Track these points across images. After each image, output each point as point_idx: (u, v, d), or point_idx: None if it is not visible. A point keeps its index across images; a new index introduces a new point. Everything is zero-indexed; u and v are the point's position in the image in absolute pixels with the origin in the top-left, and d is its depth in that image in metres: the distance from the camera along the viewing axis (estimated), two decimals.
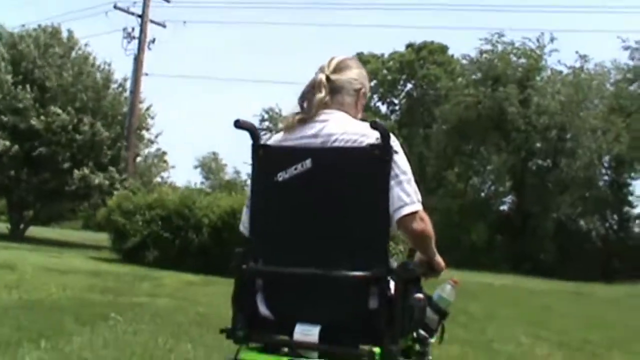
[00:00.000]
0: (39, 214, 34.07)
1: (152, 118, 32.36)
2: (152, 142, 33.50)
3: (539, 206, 41.62)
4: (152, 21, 31.86)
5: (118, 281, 13.59)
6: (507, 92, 41.34)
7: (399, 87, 59.83)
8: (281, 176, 2.78)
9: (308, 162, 2.74)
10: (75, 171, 28.09)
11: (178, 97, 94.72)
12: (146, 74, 31.48)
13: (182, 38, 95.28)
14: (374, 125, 2.69)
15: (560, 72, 43.52)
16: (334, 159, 2.78)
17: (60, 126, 28.11)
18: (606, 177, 43.76)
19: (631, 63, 42.48)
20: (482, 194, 48.17)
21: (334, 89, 2.94)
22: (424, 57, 57.13)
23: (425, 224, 2.79)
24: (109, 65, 31.01)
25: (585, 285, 27.41)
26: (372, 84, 59.15)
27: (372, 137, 2.71)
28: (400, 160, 2.77)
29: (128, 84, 31.28)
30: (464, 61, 48.12)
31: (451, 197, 44.81)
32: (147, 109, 32.26)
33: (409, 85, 59.31)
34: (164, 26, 32.68)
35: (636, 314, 17.73)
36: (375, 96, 60.54)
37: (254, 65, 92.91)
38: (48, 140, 28.09)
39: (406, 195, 2.73)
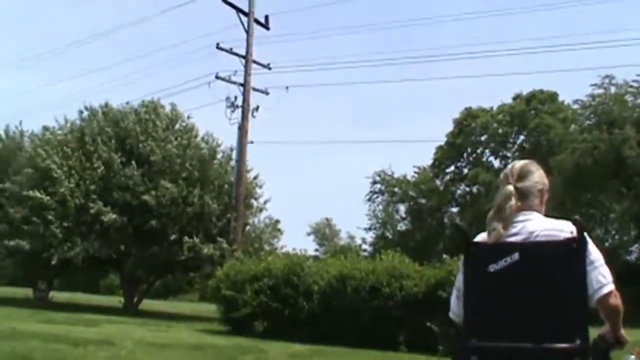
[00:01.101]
0: (153, 287, 34.15)
1: (260, 187, 32.17)
2: (261, 209, 33.20)
3: None
4: (254, 89, 31.80)
5: (219, 355, 12.97)
6: (624, 134, 39.57)
7: (511, 140, 58.38)
8: (493, 267, 3.32)
9: (516, 255, 3.29)
10: (186, 238, 28.00)
11: (286, 163, 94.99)
12: (251, 142, 31.29)
13: (285, 104, 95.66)
14: (573, 220, 3.34)
15: None
16: (538, 252, 3.35)
17: (170, 199, 28.17)
18: None
19: None
20: (606, 244, 46.04)
21: (522, 194, 3.56)
22: (535, 107, 55.69)
23: (618, 300, 3.41)
24: (212, 135, 31.09)
25: None
26: (483, 138, 58.14)
27: (566, 230, 3.35)
28: (593, 249, 3.36)
29: (234, 154, 31.22)
30: (576, 106, 46.46)
31: None
32: (255, 177, 32.12)
33: (521, 137, 57.82)
34: (267, 93, 32.59)
35: None
36: (487, 151, 59.42)
37: (359, 127, 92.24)
38: (159, 213, 28.17)
39: (603, 277, 3.34)
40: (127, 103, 32.19)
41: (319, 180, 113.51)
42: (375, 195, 65.26)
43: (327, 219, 76.24)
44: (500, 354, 3.32)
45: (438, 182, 61.22)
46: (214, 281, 22.31)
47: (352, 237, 70.82)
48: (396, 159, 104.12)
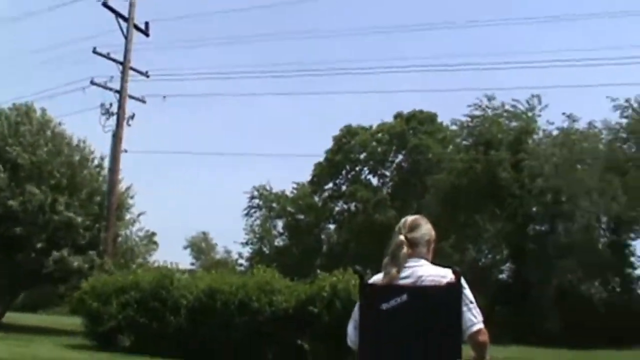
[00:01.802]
0: (20, 300, 32.73)
1: (132, 197, 31.22)
2: (134, 221, 32.23)
3: (538, 273, 40.10)
4: (130, 96, 30.86)
5: None
6: (499, 156, 40.31)
7: (390, 159, 58.80)
8: (385, 305, 3.85)
9: (405, 296, 3.84)
10: (54, 252, 26.87)
11: (162, 174, 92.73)
12: (125, 151, 30.28)
13: (163, 113, 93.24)
14: (452, 269, 4.00)
15: (551, 133, 42.53)
16: (423, 294, 3.92)
17: (37, 206, 27.00)
18: (605, 239, 42.38)
19: (623, 121, 41.45)
20: (480, 264, 46.67)
21: (413, 244, 4.18)
22: (414, 127, 56.26)
23: (486, 337, 4.06)
24: (84, 142, 30.01)
25: (592, 354, 25.99)
26: (362, 156, 58.40)
27: (448, 276, 3.99)
28: (468, 293, 4.03)
29: (106, 162, 30.23)
30: (454, 127, 47.16)
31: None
32: (128, 188, 31.18)
33: (400, 156, 58.28)
34: (144, 101, 31.68)
35: None
36: (365, 169, 59.66)
37: (238, 140, 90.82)
38: (24, 220, 26.96)
39: (474, 317, 4.00)
40: None
41: (196, 193, 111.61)
42: (253, 210, 64.62)
43: (203, 233, 75.21)
44: None
45: (316, 198, 61.08)
46: (79, 293, 21.39)
47: (228, 252, 69.96)
48: (275, 174, 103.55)
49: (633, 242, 41.62)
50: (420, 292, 4.01)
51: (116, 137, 29.91)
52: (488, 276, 44.29)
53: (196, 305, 18.48)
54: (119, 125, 30.05)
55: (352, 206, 59.02)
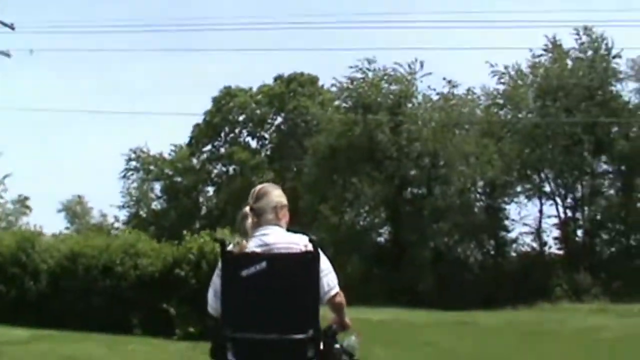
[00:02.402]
0: None
1: None
2: None
3: (415, 235, 40.49)
4: None
5: None
6: (377, 119, 40.21)
7: (269, 121, 58.19)
8: (245, 272, 4.08)
9: (264, 264, 4.08)
10: None
11: (32, 134, 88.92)
12: None
13: (30, 69, 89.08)
14: (310, 239, 4.23)
15: (431, 98, 42.68)
16: (281, 261, 4.19)
17: None
18: (481, 203, 43.03)
19: (500, 88, 41.99)
20: (358, 227, 46.71)
21: (258, 213, 4.39)
22: (294, 90, 55.76)
23: (342, 299, 4.37)
24: None
25: (466, 315, 26.19)
26: (241, 118, 57.62)
27: (301, 243, 4.25)
28: (324, 260, 4.24)
29: None
30: (334, 89, 46.84)
31: (326, 231, 43.12)
32: None
33: (279, 119, 57.75)
34: (9, 55, 30.10)
35: (521, 345, 16.30)
36: (244, 131, 58.93)
37: (113, 99, 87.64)
38: None
39: (331, 282, 4.28)
40: None
41: (69, 155, 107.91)
42: (130, 173, 63.09)
43: (78, 196, 72.99)
44: (249, 343, 4.08)
45: (195, 160, 60.07)
46: None
47: (104, 216, 68.07)
48: (152, 135, 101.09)
49: (507, 206, 42.46)
50: (279, 259, 4.19)
51: None
52: (366, 238, 44.48)
53: (57, 270, 17.54)
54: None
55: (231, 169, 58.32)
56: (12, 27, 30.27)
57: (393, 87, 42.83)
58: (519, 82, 41.29)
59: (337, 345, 4.33)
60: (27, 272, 17.98)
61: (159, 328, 15.74)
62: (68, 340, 13.76)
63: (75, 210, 71.62)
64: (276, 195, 4.48)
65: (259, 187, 4.56)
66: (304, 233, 4.34)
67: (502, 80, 41.74)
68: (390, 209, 42.98)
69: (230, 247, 4.25)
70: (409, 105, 42.51)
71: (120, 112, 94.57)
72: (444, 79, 42.19)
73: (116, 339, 14.56)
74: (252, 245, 4.25)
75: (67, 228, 64.93)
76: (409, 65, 42.35)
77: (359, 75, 43.17)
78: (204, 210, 59.91)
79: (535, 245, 42.34)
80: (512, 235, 42.50)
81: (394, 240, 42.99)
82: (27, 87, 67.47)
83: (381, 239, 46.03)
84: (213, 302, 4.31)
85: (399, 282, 37.55)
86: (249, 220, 4.30)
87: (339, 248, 39.48)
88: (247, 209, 4.36)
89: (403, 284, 37.19)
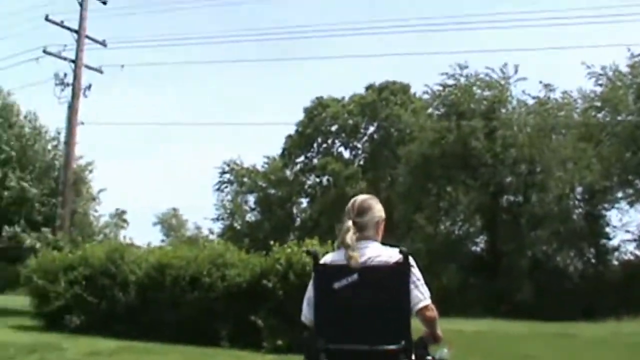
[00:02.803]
0: None
1: (91, 171, 30.07)
2: (94, 198, 31.04)
3: (512, 244, 39.46)
4: (87, 66, 29.55)
5: None
6: (471, 126, 39.36)
7: (362, 131, 57.82)
8: (337, 285, 4.17)
9: (355, 276, 4.15)
10: (6, 227, 25.75)
11: (128, 148, 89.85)
12: (82, 123, 29.04)
13: (123, 83, 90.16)
14: (400, 250, 4.24)
15: (526, 103, 41.56)
16: (372, 273, 4.20)
17: None
18: (580, 210, 41.63)
19: (598, 90, 40.56)
20: (453, 236, 45.88)
21: (360, 227, 4.38)
22: (386, 98, 55.29)
23: (434, 312, 4.29)
24: (35, 114, 28.78)
25: (567, 326, 25.20)
26: (333, 128, 57.41)
27: (395, 257, 4.25)
28: (415, 271, 4.27)
29: (62, 135, 29.02)
30: (426, 96, 46.12)
31: (421, 241, 42.47)
32: (89, 164, 30.05)
33: (372, 128, 57.32)
34: (101, 72, 30.41)
35: (626, 358, 15.38)
36: (337, 141, 58.73)
37: (206, 112, 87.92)
38: None
39: (421, 294, 4.23)
40: None
41: (164, 169, 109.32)
42: (224, 185, 63.73)
43: (173, 209, 74.15)
44: (342, 354, 4.11)
45: (288, 172, 60.12)
46: (27, 271, 20.25)
47: (199, 228, 68.94)
48: (246, 148, 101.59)
49: (607, 212, 40.84)
50: (370, 272, 4.18)
51: (72, 109, 28.63)
52: (461, 248, 43.69)
53: (145, 282, 17.41)
54: (74, 96, 28.73)
55: (324, 179, 58.14)
56: (104, 44, 30.59)
57: (486, 93, 41.83)
58: (618, 83, 39.69)
59: (429, 358, 4.35)
60: (117, 283, 17.94)
61: (247, 340, 15.41)
62: (152, 352, 13.55)
63: (170, 223, 72.65)
64: (378, 210, 4.52)
65: (359, 200, 4.55)
66: (397, 246, 4.33)
67: (600, 82, 40.29)
68: (486, 217, 42.03)
69: (325, 259, 4.40)
70: (503, 110, 41.43)
71: (213, 123, 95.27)
72: (540, 82, 41.01)
73: (202, 352, 14.28)
74: (347, 259, 4.26)
75: (162, 241, 65.93)
76: (502, 70, 41.38)
77: (450, 81, 42.42)
78: (298, 222, 59.84)
79: (638, 253, 40.67)
80: (614, 242, 40.79)
81: (490, 249, 41.93)
82: (119, 102, 68.43)
83: (477, 248, 45.05)
84: (307, 312, 4.42)
85: (495, 291, 36.62)
86: (350, 234, 4.31)
87: (435, 258, 38.79)
88: (350, 223, 4.37)
89: (500, 294, 36.20)
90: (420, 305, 4.22)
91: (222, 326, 15.97)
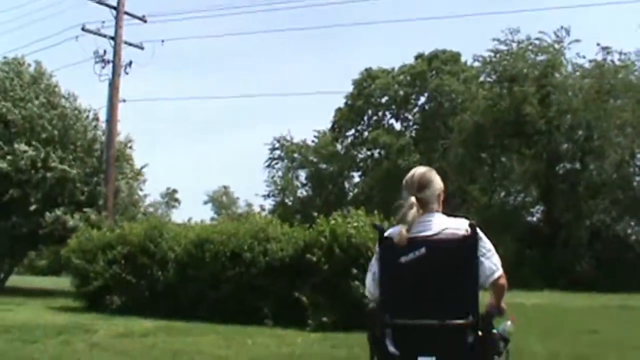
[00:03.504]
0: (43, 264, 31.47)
1: (131, 147, 29.56)
2: (137, 174, 30.51)
3: (569, 214, 38.25)
4: (126, 42, 28.97)
5: (23, 337, 10.59)
6: (524, 91, 38.08)
7: (412, 102, 56.71)
8: (403, 259, 4.02)
9: (423, 249, 4.00)
10: (47, 214, 25.33)
11: (176, 127, 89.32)
12: (124, 101, 28.54)
13: (164, 58, 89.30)
14: (469, 223, 4.08)
15: (581, 66, 40.09)
16: (440, 246, 4.05)
17: (28, 164, 25.39)
18: None
19: None
20: (508, 207, 44.73)
21: (423, 203, 4.19)
22: (436, 68, 54.11)
23: (505, 281, 4.18)
24: (74, 94, 28.41)
25: (628, 298, 24.05)
26: (383, 100, 56.45)
27: (462, 228, 4.08)
28: (485, 242, 4.12)
29: (104, 113, 28.48)
30: (477, 63, 44.82)
31: (476, 213, 41.37)
32: (130, 141, 29.56)
33: (422, 99, 56.21)
34: (142, 48, 29.82)
35: None
36: (387, 113, 57.74)
37: (253, 87, 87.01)
38: (17, 180, 25.39)
39: (494, 265, 4.10)
40: None
41: (214, 147, 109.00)
42: (274, 162, 63.30)
43: (224, 187, 73.95)
44: (408, 329, 4.03)
45: (339, 146, 59.35)
46: (67, 251, 19.71)
47: (250, 205, 68.68)
48: (295, 123, 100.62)
49: None
50: (438, 245, 4.08)
51: (113, 86, 28.10)
52: (517, 219, 42.63)
53: (185, 258, 16.67)
54: (115, 73, 28.21)
55: (376, 153, 57.27)
56: (143, 19, 29.98)
57: (540, 57, 40.45)
58: None
59: (495, 331, 4.21)
60: (156, 262, 17.26)
61: (291, 318, 14.59)
62: (187, 333, 12.76)
63: (221, 201, 72.33)
64: (437, 182, 4.34)
65: (418, 174, 4.34)
66: (464, 217, 4.23)
67: None
68: (542, 187, 40.84)
69: (391, 231, 4.19)
70: (557, 75, 40.02)
71: (262, 94, 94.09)
72: (598, 44, 39.44)
73: (241, 331, 13.46)
74: (416, 231, 4.13)
75: (212, 219, 65.74)
76: (555, 34, 40.01)
77: (502, 47, 41.10)
78: (350, 197, 59.07)
79: None
80: None
81: (547, 219, 40.77)
82: (159, 80, 67.59)
83: (533, 219, 44.02)
84: (371, 287, 4.30)
85: (553, 263, 35.59)
86: (414, 211, 4.15)
87: (489, 230, 37.15)
88: (413, 199, 4.19)
89: (558, 266, 35.18)
90: (495, 275, 4.12)
91: (265, 303, 15.16)
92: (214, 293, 15.90)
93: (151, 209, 30.53)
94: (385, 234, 4.21)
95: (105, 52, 28.50)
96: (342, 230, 14.79)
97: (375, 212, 14.98)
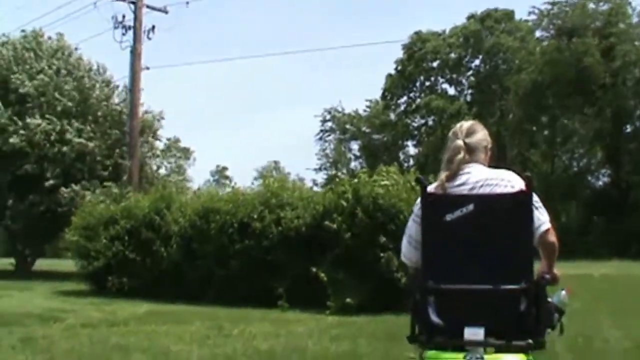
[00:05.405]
0: (49, 246, 30.05)
1: (159, 120, 27.62)
2: (169, 147, 28.67)
3: (639, 176, 35.89)
4: (148, 6, 26.94)
5: None
6: (585, 43, 35.46)
7: (465, 64, 54.07)
8: (449, 217, 3.43)
9: (471, 206, 3.42)
10: (62, 188, 23.56)
11: (221, 101, 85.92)
12: (147, 68, 26.54)
13: (191, 23, 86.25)
14: (523, 177, 3.47)
15: None
16: (491, 203, 3.47)
17: (42, 138, 23.63)
18: None
19: None
20: (571, 171, 42.39)
21: (470, 149, 3.68)
22: (490, 27, 51.37)
23: (555, 238, 3.53)
24: (103, 66, 26.84)
25: None
26: (435, 64, 54.20)
27: (506, 180, 3.51)
28: (535, 197, 3.48)
29: (126, 82, 26.71)
30: (533, 17, 42.37)
31: (538, 179, 39.11)
32: (159, 113, 27.72)
33: (476, 61, 53.55)
34: (166, 12, 27.80)
35: None
36: (440, 78, 55.23)
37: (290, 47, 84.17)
38: (34, 156, 23.70)
39: (542, 216, 3.45)
40: (4, 34, 27.72)
41: (263, 122, 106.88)
42: (326, 134, 61.34)
43: (274, 162, 72.53)
44: (455, 294, 3.46)
45: (391, 115, 57.02)
46: (70, 229, 17.68)
47: (302, 180, 66.93)
48: (346, 94, 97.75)
49: None
50: (488, 201, 3.50)
51: (134, 53, 26.11)
52: (582, 184, 40.58)
53: (189, 232, 14.43)
54: (136, 39, 26.22)
55: (430, 120, 54.91)
56: None
57: (602, 7, 37.86)
58: None
59: (550, 300, 3.55)
60: (160, 237, 15.09)
61: (309, 298, 12.25)
62: (179, 319, 10.58)
63: (271, 176, 70.89)
64: (485, 134, 3.83)
65: (467, 123, 3.84)
66: (512, 170, 3.60)
67: None
68: (607, 148, 38.89)
69: (432, 188, 3.58)
70: (621, 25, 37.40)
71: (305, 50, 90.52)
72: None
73: (246, 315, 11.28)
74: (456, 184, 3.58)
75: None
76: None
77: None
78: (404, 167, 56.81)
79: None
80: None
81: (614, 183, 38.80)
82: (188, 42, 63.82)
83: (600, 183, 42.04)
84: (408, 251, 3.74)
85: (622, 230, 33.53)
86: (461, 155, 3.61)
87: (553, 196, 35.48)
88: (461, 142, 3.66)
89: (628, 233, 33.02)
90: (543, 228, 3.44)
91: (279, 282, 12.79)
92: (221, 270, 13.63)
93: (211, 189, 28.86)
94: (428, 189, 3.64)
95: (124, 17, 26.60)
96: (367, 191, 12.37)
97: (412, 169, 12.76)
